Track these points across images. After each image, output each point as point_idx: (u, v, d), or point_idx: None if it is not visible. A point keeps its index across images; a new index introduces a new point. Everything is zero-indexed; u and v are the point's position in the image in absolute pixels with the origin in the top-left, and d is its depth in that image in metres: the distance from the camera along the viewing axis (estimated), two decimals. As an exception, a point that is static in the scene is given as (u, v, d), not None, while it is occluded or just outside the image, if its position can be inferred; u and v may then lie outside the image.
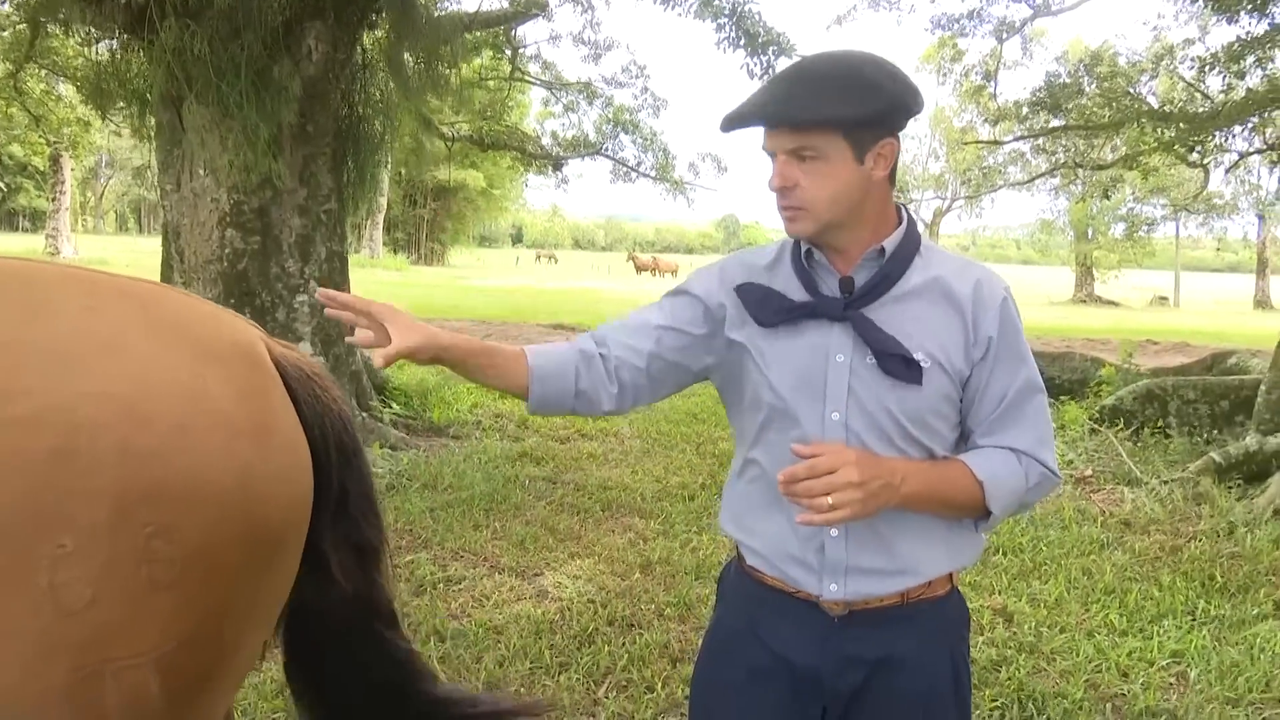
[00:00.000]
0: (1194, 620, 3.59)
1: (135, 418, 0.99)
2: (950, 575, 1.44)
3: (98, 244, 34.72)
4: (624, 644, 3.25)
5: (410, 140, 9.32)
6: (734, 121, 1.36)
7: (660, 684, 2.97)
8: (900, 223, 1.39)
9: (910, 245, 1.38)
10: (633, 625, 3.43)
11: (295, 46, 5.25)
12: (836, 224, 1.35)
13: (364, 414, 5.88)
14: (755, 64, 5.96)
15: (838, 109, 1.27)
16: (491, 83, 14.32)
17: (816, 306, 1.37)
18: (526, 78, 15.30)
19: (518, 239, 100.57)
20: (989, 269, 1.44)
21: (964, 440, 1.43)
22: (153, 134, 5.76)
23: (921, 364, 1.32)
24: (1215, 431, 6.18)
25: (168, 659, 1.02)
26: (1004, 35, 16.62)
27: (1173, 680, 3.14)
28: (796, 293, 1.40)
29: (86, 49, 6.05)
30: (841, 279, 1.37)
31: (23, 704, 0.96)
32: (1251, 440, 5.52)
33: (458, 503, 4.76)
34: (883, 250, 1.36)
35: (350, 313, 1.29)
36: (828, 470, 1.22)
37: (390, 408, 6.44)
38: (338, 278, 5.86)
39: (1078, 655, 3.24)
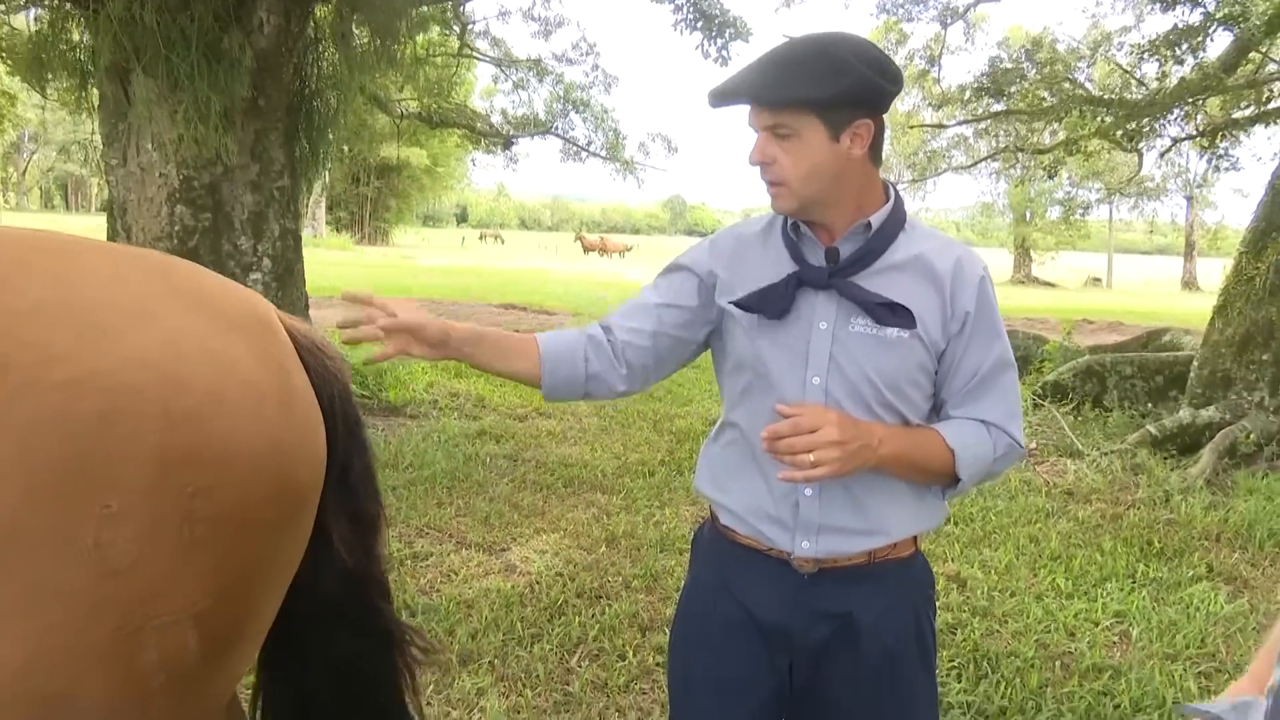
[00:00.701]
0: (1134, 583, 3.78)
1: (174, 383, 1.01)
2: (914, 539, 1.52)
3: (22, 222, 33.40)
4: (594, 615, 3.31)
5: (355, 117, 9.17)
6: (719, 97, 1.42)
7: (631, 652, 3.04)
8: (888, 199, 1.45)
9: (896, 221, 1.45)
10: (601, 597, 3.49)
11: (246, 18, 5.13)
12: (816, 200, 1.40)
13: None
14: (711, 46, 5.99)
15: (807, 89, 1.33)
16: (439, 59, 14.12)
17: (802, 275, 1.43)
18: (475, 54, 15.13)
19: (462, 218, 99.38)
20: (969, 249, 1.51)
21: (937, 411, 1.51)
22: (95, 107, 5.59)
23: (909, 308, 1.38)
24: (1151, 405, 6.46)
25: (205, 615, 1.05)
26: (948, 20, 16.88)
27: (1116, 639, 3.31)
28: (785, 264, 1.46)
29: (9, 17, 5.82)
30: (827, 249, 1.44)
31: (70, 662, 0.98)
32: (1185, 413, 5.79)
33: (420, 481, 4.76)
34: (869, 224, 1.42)
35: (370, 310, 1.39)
36: (810, 429, 1.28)
37: (346, 387, 6.38)
38: (291, 256, 5.77)
39: (1028, 617, 3.40)
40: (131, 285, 1.07)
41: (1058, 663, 3.07)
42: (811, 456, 1.27)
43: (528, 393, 7.22)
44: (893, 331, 1.40)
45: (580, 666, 2.95)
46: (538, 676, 2.87)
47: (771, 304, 1.44)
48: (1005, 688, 2.86)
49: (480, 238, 56.30)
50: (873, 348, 1.40)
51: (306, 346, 1.29)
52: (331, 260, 21.83)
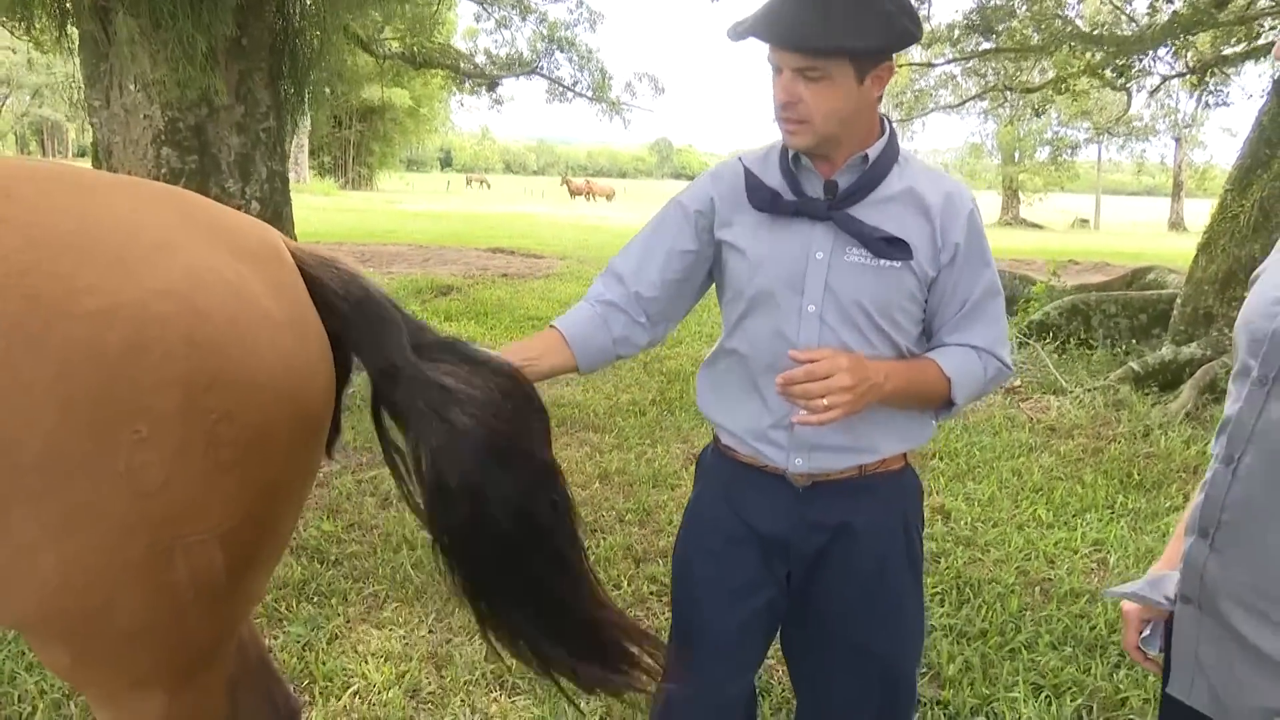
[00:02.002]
0: (1113, 513, 3.90)
1: (196, 312, 1.05)
2: (904, 454, 1.60)
3: None
4: (590, 548, 3.40)
5: (337, 57, 9.01)
6: (743, 32, 1.43)
7: (626, 581, 3.13)
8: (883, 133, 1.50)
9: (890, 154, 1.50)
10: (596, 530, 3.58)
11: (227, -46, 5.03)
12: (832, 137, 1.45)
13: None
14: (702, -20, 5.88)
15: (851, 39, 1.35)
16: (421, -3, 13.83)
17: (800, 206, 1.49)
18: (457, -8, 14.84)
19: (446, 163, 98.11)
20: (959, 183, 1.56)
21: (929, 336, 1.58)
22: (76, 47, 5.49)
23: (907, 241, 1.44)
24: (1134, 342, 6.56)
25: (231, 534, 1.10)
26: (939, -45, 16.55)
27: (1094, 565, 3.43)
28: (784, 193, 1.51)
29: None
30: (826, 182, 1.49)
31: (106, 578, 1.04)
32: (1167, 350, 5.88)
33: (414, 422, 4.81)
34: (866, 157, 1.47)
35: None
36: (824, 375, 1.34)
37: (337, 331, 6.39)
38: (279, 199, 5.74)
39: (1009, 546, 3.51)
40: (149, 218, 1.11)
41: (1037, 588, 3.19)
42: (825, 400, 1.34)
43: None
44: (886, 262, 1.46)
45: (577, 596, 3.05)
46: (537, 606, 2.96)
47: (760, 199, 1.51)
48: (986, 611, 2.97)
49: (467, 182, 55.65)
50: (867, 277, 1.47)
51: (314, 264, 1.31)
52: (316, 205, 21.60)
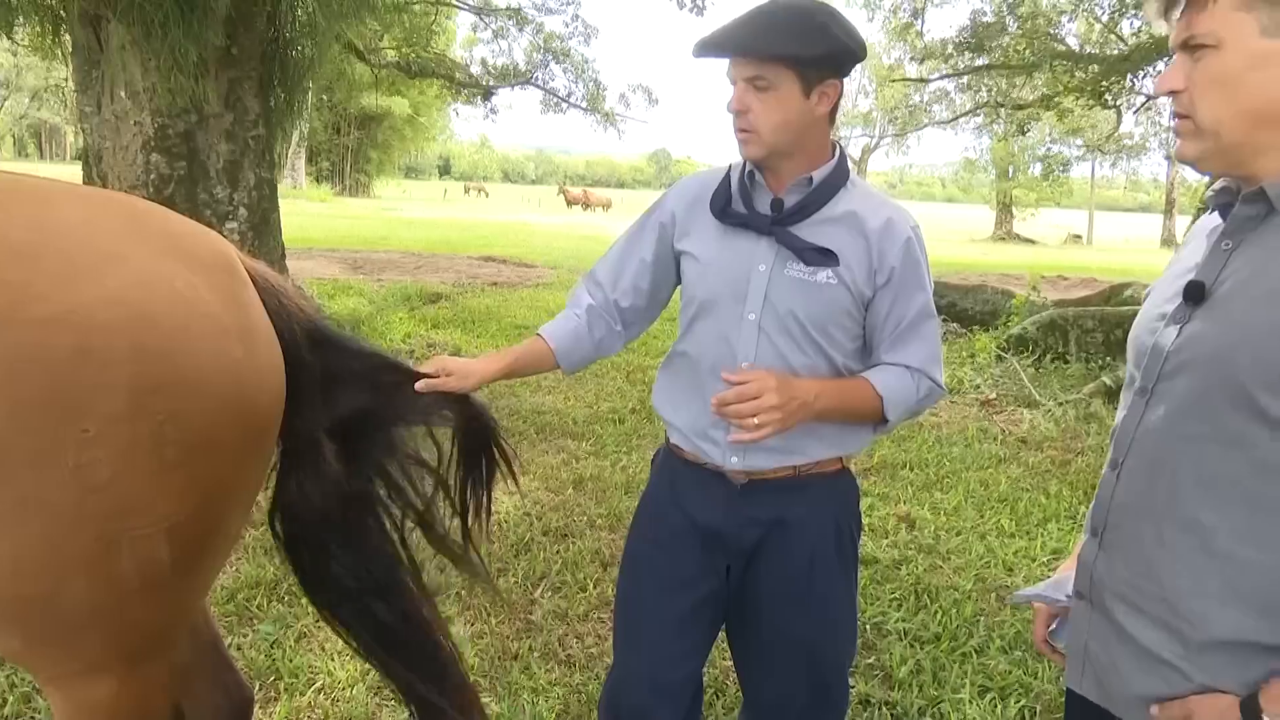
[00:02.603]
0: (1074, 523, 3.97)
1: (144, 320, 1.13)
2: (839, 458, 1.69)
3: (-3, 169, 32.79)
4: (558, 551, 3.47)
5: (334, 66, 9.12)
6: (704, 47, 1.56)
7: (592, 585, 3.21)
8: (832, 157, 1.61)
9: (838, 178, 1.61)
10: (566, 535, 3.66)
11: (219, -34, 5.13)
12: (781, 150, 1.56)
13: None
14: (686, -3, 6.00)
15: (791, 46, 1.49)
16: (418, 7, 13.96)
17: (748, 219, 1.60)
18: (453, 2, 14.96)
19: (445, 170, 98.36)
20: (902, 209, 1.66)
21: (869, 353, 1.67)
22: (68, 54, 5.58)
23: (836, 253, 1.55)
24: (1109, 358, 6.65)
25: (176, 529, 1.18)
26: (932, -28, 16.75)
27: (1051, 573, 3.50)
28: (738, 206, 1.63)
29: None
30: (773, 199, 1.60)
31: (55, 567, 1.12)
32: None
33: (395, 427, 4.88)
34: (810, 179, 1.58)
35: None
36: (753, 396, 1.45)
37: (323, 337, 6.47)
38: (267, 205, 5.83)
39: (970, 554, 3.59)
40: (103, 228, 1.19)
41: (993, 594, 3.27)
42: (756, 419, 1.45)
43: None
44: (821, 276, 1.56)
45: (543, 598, 3.12)
46: (502, 607, 3.03)
47: (716, 207, 1.64)
48: (942, 617, 3.05)
49: (465, 190, 55.84)
50: (803, 291, 1.57)
51: (265, 287, 1.41)
52: (311, 212, 21.68)
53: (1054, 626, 1.42)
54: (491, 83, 14.80)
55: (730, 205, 1.63)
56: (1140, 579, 1.17)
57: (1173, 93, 1.13)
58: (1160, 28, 1.17)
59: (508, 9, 15.34)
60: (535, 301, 9.58)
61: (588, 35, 14.99)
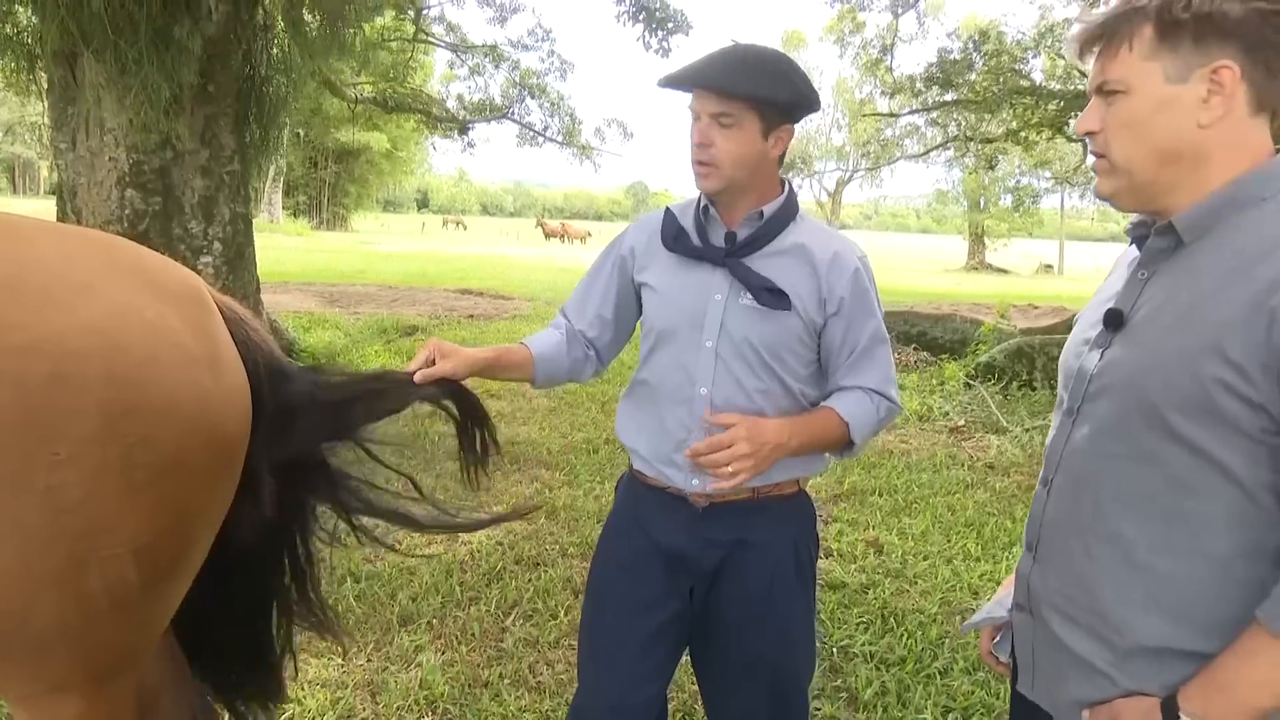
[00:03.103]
0: (1039, 547, 4.04)
1: (115, 348, 1.17)
2: (797, 480, 1.75)
3: (-31, 204, 32.61)
4: (530, 579, 3.50)
5: (311, 101, 9.20)
6: (671, 82, 1.65)
7: (564, 612, 3.23)
8: (782, 193, 1.70)
9: (787, 213, 1.70)
10: (538, 564, 3.68)
11: (195, 5, 5.20)
12: (738, 185, 1.65)
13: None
14: (652, 38, 6.16)
15: (759, 88, 1.59)
16: (394, 44, 14.12)
17: (704, 252, 1.69)
18: (430, 39, 15.14)
19: (424, 204, 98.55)
20: (849, 241, 1.75)
21: (826, 379, 1.75)
22: (43, 90, 5.62)
23: (788, 294, 1.63)
24: (1074, 385, 6.77)
25: (145, 550, 1.22)
26: (899, 10, 17.17)
27: (1016, 596, 3.57)
28: (692, 237, 1.72)
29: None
30: (726, 232, 1.69)
31: (26, 585, 1.15)
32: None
33: (367, 458, 4.90)
34: (761, 214, 1.68)
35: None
36: (726, 445, 1.53)
37: (298, 369, 6.48)
38: (242, 240, 5.87)
39: (937, 578, 3.65)
40: (78, 263, 1.24)
41: (958, 617, 3.32)
42: (730, 468, 1.53)
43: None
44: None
45: (514, 625, 3.15)
46: (473, 634, 3.05)
47: (669, 239, 1.72)
48: (907, 639, 3.10)
49: (443, 223, 55.95)
50: (756, 319, 1.65)
51: (232, 319, 1.46)
52: (288, 246, 21.68)
53: (997, 639, 1.49)
54: (468, 117, 14.93)
55: (683, 238, 1.71)
56: (1071, 590, 1.23)
57: (1090, 133, 1.22)
58: (1080, 65, 1.27)
59: (484, 46, 15.53)
60: (511, 333, 9.63)
61: (564, 71, 15.20)
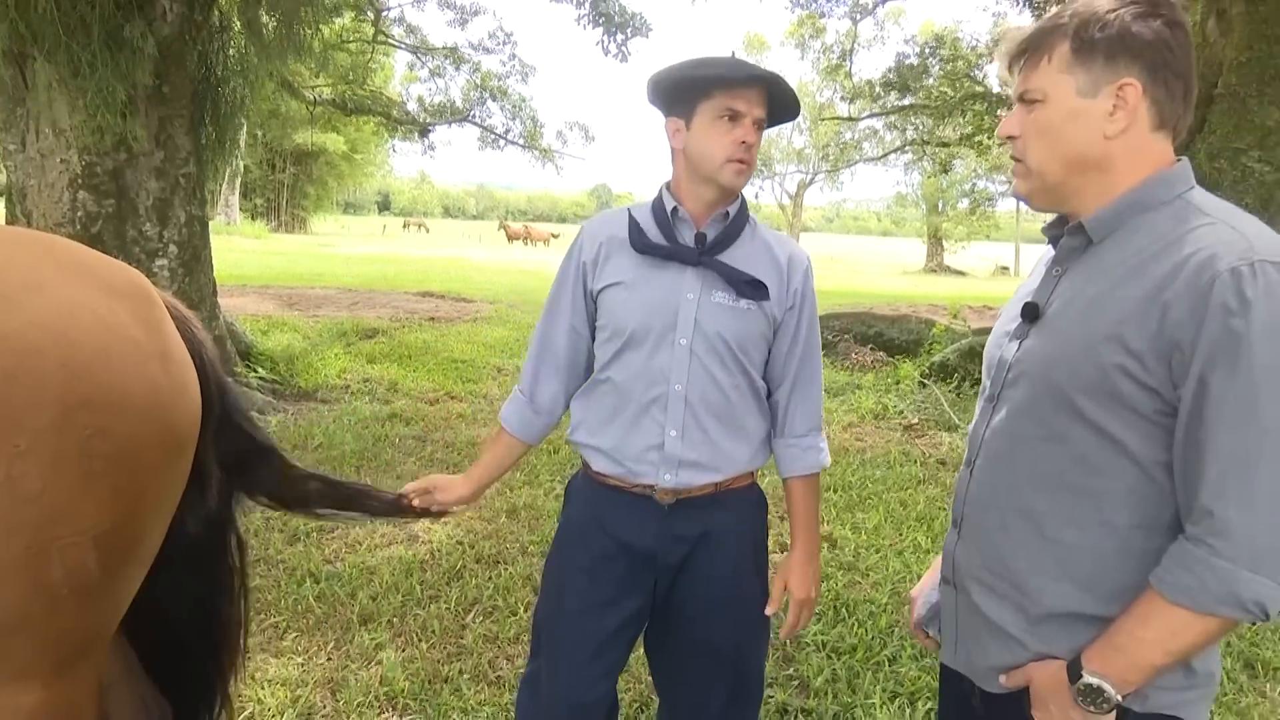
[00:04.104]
0: (987, 539, 4.17)
1: (68, 342, 1.21)
2: (751, 474, 1.83)
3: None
4: (490, 577, 3.54)
5: (269, 103, 9.13)
6: (752, 78, 1.69)
7: (523, 609, 3.28)
8: (738, 197, 1.79)
9: (744, 215, 1.80)
10: (498, 561, 3.72)
11: (149, 6, 5.17)
12: (740, 186, 1.76)
13: (229, 378, 5.89)
14: (611, 43, 6.22)
15: (795, 105, 1.77)
16: (353, 45, 14.04)
17: (674, 252, 1.74)
18: (390, 41, 15.07)
19: (384, 206, 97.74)
20: (795, 243, 1.87)
21: (771, 371, 1.82)
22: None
23: (766, 284, 1.73)
24: (1024, 383, 6.95)
25: (103, 538, 1.25)
26: (858, 16, 17.42)
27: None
28: (658, 239, 1.77)
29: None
30: (696, 233, 1.76)
31: None
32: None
33: (328, 460, 4.91)
34: (727, 214, 1.76)
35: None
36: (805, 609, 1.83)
37: (256, 372, 6.44)
38: (198, 242, 5.82)
39: (887, 570, 3.75)
40: (20, 261, 1.27)
41: (907, 607, 3.41)
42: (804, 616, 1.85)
43: (441, 378, 7.37)
44: (744, 303, 1.73)
45: (474, 622, 3.19)
46: (433, 632, 3.09)
47: (639, 242, 1.77)
48: (858, 629, 3.19)
49: (404, 226, 55.48)
50: (728, 316, 1.73)
51: (176, 316, 1.49)
52: (245, 248, 21.41)
53: (924, 614, 1.57)
54: (429, 120, 14.88)
55: (652, 239, 1.76)
56: (990, 562, 1.32)
57: (1010, 137, 1.32)
58: (1005, 79, 1.36)
59: (445, 48, 15.50)
60: (473, 336, 9.64)
61: (525, 74, 15.21)
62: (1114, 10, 1.20)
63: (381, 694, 2.71)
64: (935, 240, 37.85)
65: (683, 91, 1.72)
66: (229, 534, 1.67)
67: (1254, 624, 1.08)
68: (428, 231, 53.55)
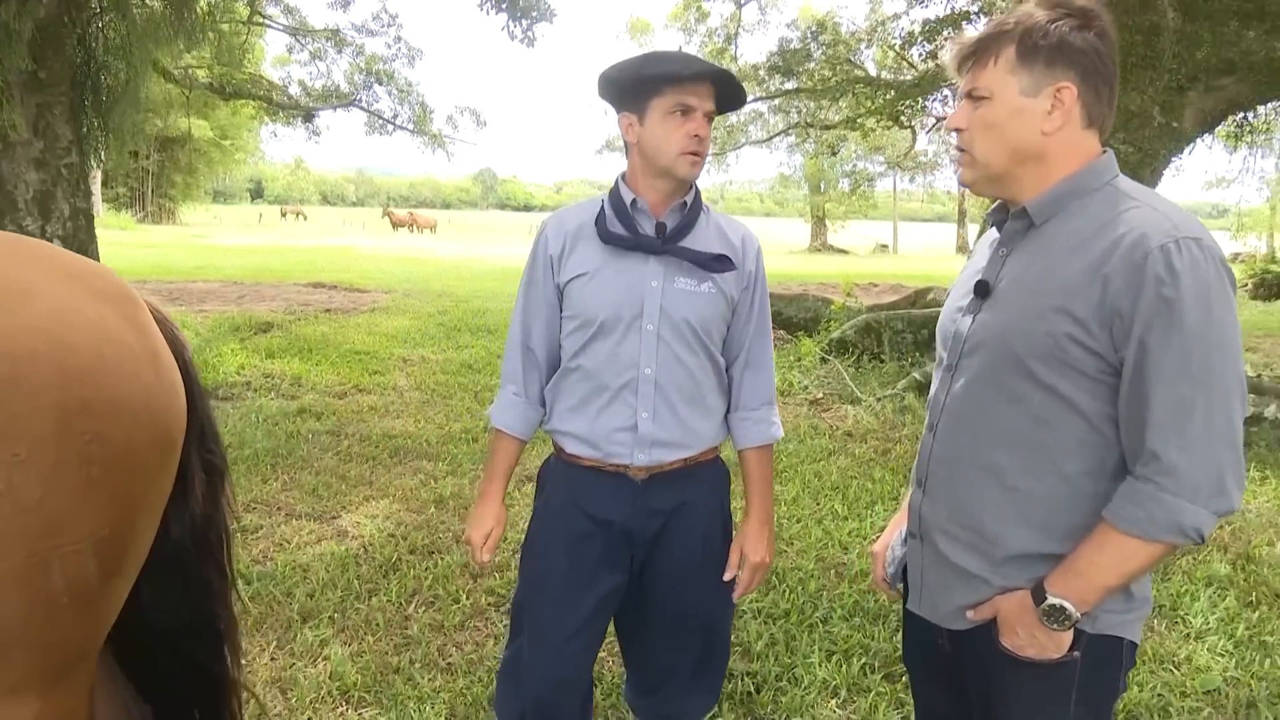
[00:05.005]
0: (898, 503, 4.41)
1: (64, 346, 1.19)
2: (715, 447, 1.93)
3: None
4: (427, 568, 3.54)
5: (147, 88, 8.67)
6: (694, 75, 1.77)
7: (465, 596, 3.30)
8: (693, 187, 1.87)
9: (699, 204, 1.88)
10: (433, 552, 3.72)
11: (21, -15, 4.85)
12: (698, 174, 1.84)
13: None
14: (516, 27, 6.19)
15: (741, 95, 1.85)
16: (227, 26, 13.40)
17: (637, 242, 1.81)
18: (266, 21, 14.45)
19: (258, 194, 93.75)
20: (746, 227, 1.97)
21: (728, 348, 1.92)
22: None
23: (729, 256, 1.82)
24: (918, 355, 7.33)
25: (102, 544, 1.24)
26: (742, 0, 17.70)
27: (881, 549, 3.91)
28: (620, 230, 1.84)
29: None
30: (656, 223, 1.83)
31: None
32: (943, 361, 6.64)
33: (241, 460, 4.77)
34: (685, 204, 1.85)
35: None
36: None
37: (150, 372, 6.16)
38: (84, 237, 5.53)
39: (810, 538, 3.94)
40: (7, 266, 1.24)
41: (832, 571, 3.61)
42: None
43: (346, 371, 7.22)
44: (705, 286, 1.82)
45: (418, 612, 3.19)
46: (377, 624, 3.08)
47: (605, 233, 1.84)
48: (790, 594, 3.36)
49: (282, 214, 53.32)
50: (691, 300, 1.82)
51: (158, 318, 1.48)
52: (112, 240, 20.18)
53: (891, 569, 1.71)
54: (312, 104, 14.37)
55: (616, 230, 1.83)
56: (956, 514, 1.46)
57: (957, 130, 1.46)
58: (956, 79, 1.50)
59: (326, 30, 14.98)
60: (373, 327, 9.44)
61: (411, 57, 14.86)
62: (1054, 21, 1.35)
63: (334, 689, 2.70)
64: (818, 220, 38.98)
65: (635, 88, 1.79)
66: (211, 536, 1.65)
67: (1194, 546, 1.26)
68: (306, 220, 51.63)
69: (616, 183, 1.88)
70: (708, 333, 1.83)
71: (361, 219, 53.04)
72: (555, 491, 1.92)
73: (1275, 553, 3.92)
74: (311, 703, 2.63)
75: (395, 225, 42.98)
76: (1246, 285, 15.77)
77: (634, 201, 1.83)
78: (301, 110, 14.20)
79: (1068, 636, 1.33)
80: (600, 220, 1.84)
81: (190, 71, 12.47)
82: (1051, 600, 1.30)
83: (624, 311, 1.80)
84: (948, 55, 1.48)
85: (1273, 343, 10.34)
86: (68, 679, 1.34)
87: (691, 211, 1.85)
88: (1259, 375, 7.20)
